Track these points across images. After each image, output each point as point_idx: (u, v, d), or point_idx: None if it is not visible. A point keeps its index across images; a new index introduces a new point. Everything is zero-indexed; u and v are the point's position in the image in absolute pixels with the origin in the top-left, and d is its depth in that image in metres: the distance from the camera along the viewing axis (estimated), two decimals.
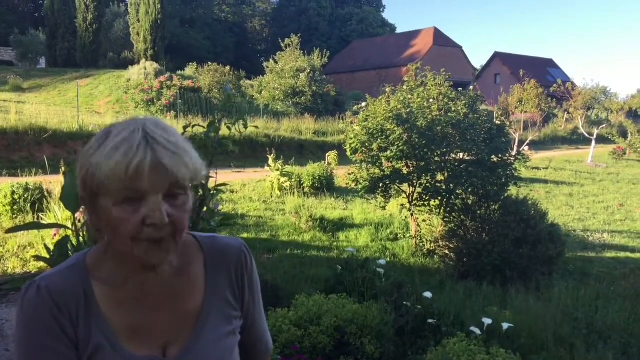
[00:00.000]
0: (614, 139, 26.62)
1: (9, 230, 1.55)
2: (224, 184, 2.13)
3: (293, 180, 12.23)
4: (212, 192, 2.01)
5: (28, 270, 6.03)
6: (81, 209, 1.07)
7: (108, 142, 0.97)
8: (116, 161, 0.94)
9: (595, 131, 26.21)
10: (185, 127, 2.07)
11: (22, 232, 6.87)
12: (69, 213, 6.13)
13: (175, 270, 1.12)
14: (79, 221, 2.01)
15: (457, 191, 8.66)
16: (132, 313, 1.07)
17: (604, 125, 29.88)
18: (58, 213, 6.88)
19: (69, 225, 2.02)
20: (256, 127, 2.67)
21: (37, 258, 1.80)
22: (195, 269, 1.16)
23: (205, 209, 2.02)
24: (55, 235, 5.73)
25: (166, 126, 1.02)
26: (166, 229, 0.98)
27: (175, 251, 1.02)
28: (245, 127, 2.08)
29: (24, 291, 1.05)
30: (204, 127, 2.13)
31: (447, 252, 8.34)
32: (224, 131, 2.19)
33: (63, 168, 8.58)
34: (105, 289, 1.07)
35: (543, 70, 47.85)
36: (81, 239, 1.88)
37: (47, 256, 1.77)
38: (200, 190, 1.98)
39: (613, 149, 26.08)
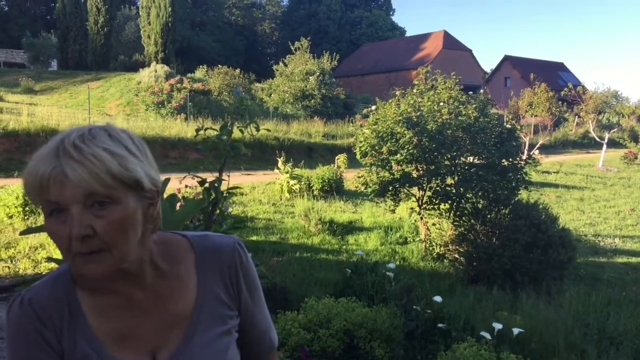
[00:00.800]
0: (625, 143, 26.48)
1: (23, 232, 1.56)
2: (236, 187, 2.13)
3: (302, 183, 12.24)
4: (224, 194, 2.02)
5: (39, 272, 6.06)
6: None
7: (34, 155, 0.99)
8: (27, 173, 0.96)
9: (607, 135, 26.05)
10: (197, 130, 2.07)
11: (30, 234, 6.91)
12: None
13: (162, 273, 1.10)
14: None
15: (467, 195, 8.64)
16: (118, 320, 1.06)
17: (615, 130, 29.69)
18: None
19: None
20: (268, 130, 2.67)
21: (50, 260, 1.81)
22: (185, 270, 1.13)
23: (217, 211, 2.02)
24: None
25: (97, 133, 0.99)
26: (94, 242, 0.95)
27: (116, 264, 0.98)
28: (257, 129, 2.09)
29: (10, 304, 1.06)
30: (216, 130, 2.14)
31: (457, 256, 8.31)
32: (235, 134, 2.19)
33: None
34: (90, 297, 1.06)
35: (554, 74, 47.61)
36: None
37: (60, 257, 1.78)
38: (212, 193, 1.98)
39: (624, 153, 25.90)
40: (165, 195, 1.77)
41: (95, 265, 0.96)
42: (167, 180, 1.79)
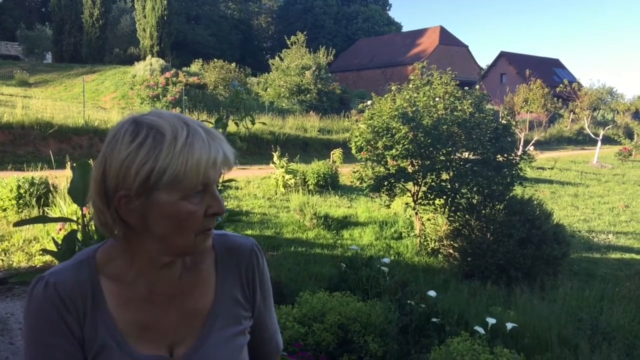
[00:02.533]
0: (620, 140, 26.53)
1: (16, 224, 1.56)
2: (231, 180, 2.13)
3: (298, 177, 12.24)
4: (219, 187, 2.01)
5: (33, 264, 6.04)
6: (88, 205, 1.05)
7: (173, 139, 0.96)
8: (198, 156, 0.96)
9: (601, 132, 26.11)
10: None
11: (27, 226, 6.89)
12: (74, 207, 6.14)
13: (186, 268, 1.11)
14: (85, 216, 2.01)
15: (462, 190, 8.65)
16: (140, 311, 1.06)
17: (610, 126, 29.76)
18: (63, 207, 6.90)
19: (75, 219, 2.02)
20: (264, 123, 2.67)
21: (45, 251, 1.80)
22: (206, 267, 1.14)
23: None
24: (60, 229, 5.75)
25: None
26: (215, 220, 1.04)
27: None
28: (253, 123, 2.08)
29: (32, 286, 1.04)
30: (211, 123, 2.13)
31: (451, 251, 8.34)
32: (230, 127, 2.19)
33: (69, 163, 8.62)
34: (114, 286, 1.06)
35: (549, 70, 47.71)
36: (90, 233, 1.88)
37: (55, 250, 1.77)
38: None
39: (619, 149, 25.98)
40: None
41: (210, 239, 1.05)
42: None
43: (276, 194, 11.91)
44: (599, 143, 25.08)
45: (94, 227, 1.98)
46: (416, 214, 9.22)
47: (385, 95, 9.65)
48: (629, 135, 27.06)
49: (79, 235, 1.85)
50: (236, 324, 1.15)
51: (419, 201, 9.02)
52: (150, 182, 0.95)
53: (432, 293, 4.99)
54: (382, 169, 8.97)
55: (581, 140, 32.29)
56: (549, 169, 20.76)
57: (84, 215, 1.91)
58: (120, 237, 1.03)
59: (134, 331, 1.05)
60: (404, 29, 59.75)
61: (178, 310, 1.09)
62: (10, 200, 7.77)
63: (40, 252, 6.23)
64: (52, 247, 5.99)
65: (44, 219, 1.78)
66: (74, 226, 2.01)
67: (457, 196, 8.64)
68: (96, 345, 1.03)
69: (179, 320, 1.09)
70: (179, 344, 1.08)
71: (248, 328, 1.18)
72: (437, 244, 8.72)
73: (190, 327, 1.10)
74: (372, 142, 8.98)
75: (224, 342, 1.11)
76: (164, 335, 1.07)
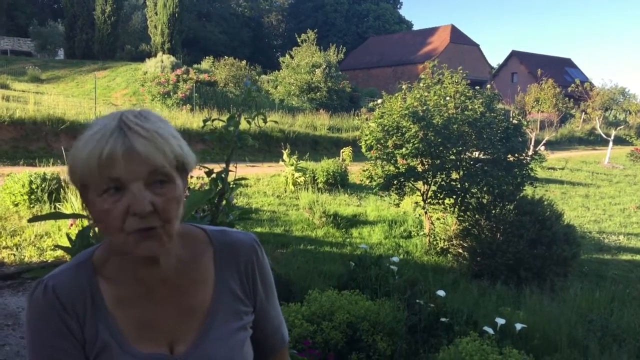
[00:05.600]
0: (632, 141, 26.32)
1: (31, 220, 1.56)
2: (243, 178, 2.14)
3: (307, 175, 12.24)
4: (231, 185, 2.02)
5: (45, 259, 6.09)
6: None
7: (85, 135, 0.98)
8: (89, 151, 0.94)
9: (613, 132, 25.92)
10: (205, 121, 2.08)
11: (39, 221, 6.94)
12: None
13: (182, 265, 1.10)
14: None
15: (472, 190, 8.63)
16: (138, 310, 1.07)
17: (621, 127, 29.53)
18: (75, 203, 6.95)
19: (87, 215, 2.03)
20: (275, 122, 2.67)
21: (59, 247, 1.82)
22: (204, 263, 1.14)
23: (224, 202, 2.02)
24: (72, 225, 5.79)
25: (148, 114, 1.01)
26: (153, 218, 0.96)
27: (168, 242, 1.00)
28: (265, 121, 2.09)
29: (32, 290, 1.05)
30: (223, 121, 2.14)
31: (460, 250, 8.31)
32: (242, 125, 2.19)
33: None
34: (112, 286, 1.06)
35: (561, 70, 47.37)
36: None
37: (68, 245, 1.79)
38: (219, 184, 1.99)
39: (631, 150, 25.77)
40: None
41: (151, 242, 0.98)
42: None
43: (286, 191, 11.93)
44: (611, 143, 24.89)
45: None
46: (425, 213, 9.20)
47: (396, 94, 9.63)
48: None
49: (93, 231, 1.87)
50: (236, 320, 1.15)
51: (429, 200, 9.00)
52: (73, 179, 0.98)
53: (441, 292, 4.98)
54: (391, 168, 8.96)
55: (592, 140, 32.06)
56: (559, 169, 20.64)
57: None
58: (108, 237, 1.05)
59: (133, 330, 1.06)
60: (415, 28, 59.60)
61: (177, 307, 1.09)
62: (22, 195, 7.83)
63: (52, 247, 6.27)
64: (64, 242, 6.04)
65: (58, 215, 1.80)
66: (85, 222, 2.02)
67: (467, 196, 8.62)
68: (97, 346, 1.04)
69: (178, 317, 1.09)
70: (179, 340, 1.08)
71: (249, 323, 1.18)
72: (446, 243, 8.70)
73: (190, 324, 1.10)
74: (382, 141, 8.97)
75: (225, 338, 1.11)
76: (164, 333, 1.08)
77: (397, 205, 9.60)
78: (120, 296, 1.06)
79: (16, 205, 7.87)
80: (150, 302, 1.07)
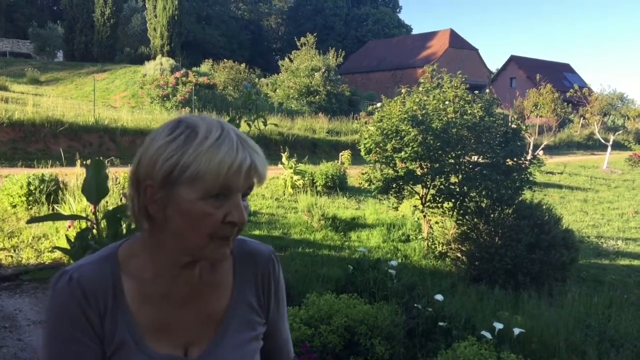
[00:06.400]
0: (630, 146, 26.39)
1: (29, 221, 1.56)
2: None
3: (306, 178, 12.24)
4: None
5: (42, 261, 6.07)
6: (126, 194, 1.06)
7: (204, 138, 0.98)
8: (221, 158, 0.96)
9: (611, 137, 25.97)
10: None
11: (37, 223, 6.92)
12: (83, 205, 6.15)
13: (205, 270, 1.11)
14: (97, 213, 2.02)
15: (471, 194, 8.62)
16: (158, 310, 1.07)
17: (620, 132, 29.59)
18: (73, 204, 6.94)
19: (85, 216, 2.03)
20: (275, 125, 2.67)
21: (57, 249, 1.81)
22: (224, 271, 1.15)
23: None
24: (70, 226, 5.78)
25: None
26: (235, 228, 1.02)
27: (231, 250, 1.06)
28: (265, 124, 2.08)
29: (56, 280, 1.05)
30: None
31: (459, 255, 8.31)
32: (241, 128, 2.19)
33: (80, 160, 8.66)
34: (134, 283, 1.07)
35: (559, 75, 47.49)
36: (102, 230, 1.89)
37: (67, 247, 1.78)
38: None
39: (629, 155, 25.83)
40: None
41: (227, 249, 1.03)
42: None
43: (284, 194, 11.92)
44: (609, 148, 24.94)
45: (104, 225, 1.99)
46: (424, 216, 9.20)
47: (395, 98, 9.64)
48: (639, 141, 26.87)
49: (93, 232, 1.86)
50: (250, 329, 1.16)
51: (427, 204, 9.00)
52: (172, 176, 0.97)
53: (439, 297, 4.97)
54: (390, 171, 8.96)
55: (591, 145, 32.11)
56: (558, 173, 20.66)
57: (95, 213, 1.92)
58: (145, 232, 1.05)
59: (151, 329, 1.06)
60: (414, 32, 59.66)
61: (195, 311, 1.10)
62: (20, 196, 7.81)
63: (50, 249, 6.26)
64: (61, 244, 6.03)
65: (56, 217, 1.79)
66: (83, 224, 2.02)
67: (466, 200, 8.62)
68: (115, 342, 1.04)
69: (195, 321, 1.10)
70: (194, 344, 1.09)
71: (261, 334, 1.19)
72: (444, 247, 8.69)
73: (206, 329, 1.11)
74: (381, 145, 8.97)
75: (238, 346, 1.12)
76: (180, 335, 1.08)
77: (396, 208, 9.59)
78: (141, 294, 1.07)
79: (14, 206, 7.86)
80: (170, 303, 1.08)
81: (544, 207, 8.37)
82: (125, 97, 24.37)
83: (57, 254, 6.04)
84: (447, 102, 8.91)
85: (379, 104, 10.22)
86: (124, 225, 1.95)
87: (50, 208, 7.63)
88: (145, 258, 1.07)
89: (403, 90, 9.69)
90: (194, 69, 27.98)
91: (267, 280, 1.20)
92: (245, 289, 1.17)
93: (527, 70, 45.28)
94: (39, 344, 4.34)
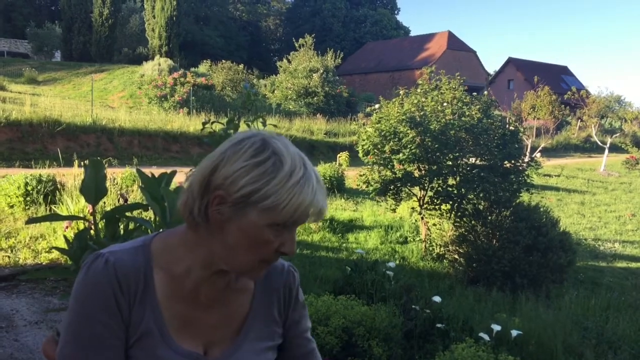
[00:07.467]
0: (627, 148, 26.44)
1: (28, 222, 1.56)
2: None
3: None
4: None
5: (39, 262, 6.06)
6: (184, 187, 1.07)
7: (289, 174, 0.99)
8: (302, 199, 0.99)
9: (609, 140, 26.01)
10: (204, 123, 2.07)
11: (34, 223, 6.90)
12: (81, 205, 6.12)
13: (233, 278, 1.14)
14: (95, 213, 2.02)
15: (469, 196, 8.63)
16: (184, 306, 1.09)
17: (617, 134, 29.64)
18: (70, 205, 6.92)
19: (83, 217, 2.02)
20: (275, 125, 2.67)
21: (55, 249, 1.81)
22: (247, 280, 1.18)
23: None
24: (67, 227, 5.76)
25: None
26: (280, 257, 1.07)
27: None
28: (264, 125, 2.08)
29: (90, 261, 1.06)
30: (222, 124, 2.13)
31: (456, 256, 8.31)
32: (241, 128, 2.19)
33: (77, 161, 8.65)
34: (165, 276, 1.08)
35: (557, 77, 47.56)
36: (100, 231, 1.89)
37: (65, 247, 1.78)
38: None
39: (626, 158, 25.86)
40: (171, 188, 1.78)
41: (264, 272, 1.08)
42: (174, 173, 1.80)
43: None
44: (606, 151, 24.97)
45: (102, 225, 1.98)
46: (422, 218, 9.20)
47: (393, 99, 9.64)
48: (637, 143, 26.96)
49: (91, 233, 1.86)
50: (268, 339, 1.19)
51: (425, 206, 9.00)
52: (250, 199, 0.99)
53: (437, 298, 4.97)
54: (388, 173, 8.96)
55: (588, 147, 32.17)
56: (555, 176, 20.69)
57: (94, 213, 1.92)
58: (192, 228, 1.05)
59: (176, 323, 1.08)
60: (412, 34, 59.73)
61: (217, 314, 1.12)
62: (17, 197, 7.79)
63: (47, 250, 6.24)
64: (59, 244, 6.02)
65: (54, 217, 1.79)
66: (81, 224, 2.01)
67: (464, 202, 8.62)
68: (140, 330, 1.05)
69: (216, 323, 1.12)
70: (214, 345, 1.12)
71: (277, 345, 1.22)
72: (442, 249, 8.70)
73: (227, 332, 1.14)
74: (379, 146, 8.97)
75: (255, 354, 1.15)
76: (202, 334, 1.11)
77: (394, 210, 9.60)
78: (170, 288, 1.08)
79: (11, 207, 7.84)
80: (197, 301, 1.10)
81: (542, 209, 8.39)
82: (123, 97, 24.36)
83: (55, 255, 6.03)
84: (445, 104, 8.91)
85: (377, 106, 10.22)
86: (121, 226, 1.95)
87: (48, 208, 7.61)
88: (180, 253, 1.09)
89: (401, 92, 9.70)
90: (192, 69, 27.97)
91: (287, 292, 1.23)
92: (265, 299, 1.20)
93: (525, 73, 45.39)
94: (36, 345, 4.33)
